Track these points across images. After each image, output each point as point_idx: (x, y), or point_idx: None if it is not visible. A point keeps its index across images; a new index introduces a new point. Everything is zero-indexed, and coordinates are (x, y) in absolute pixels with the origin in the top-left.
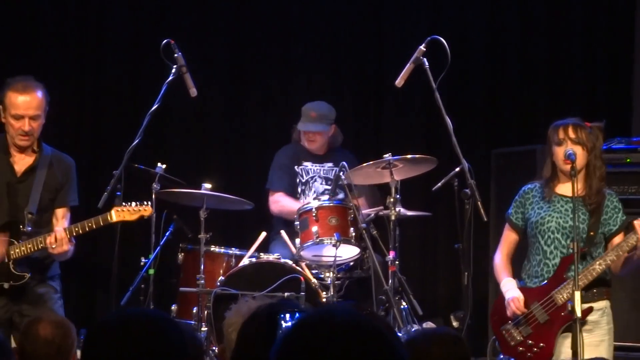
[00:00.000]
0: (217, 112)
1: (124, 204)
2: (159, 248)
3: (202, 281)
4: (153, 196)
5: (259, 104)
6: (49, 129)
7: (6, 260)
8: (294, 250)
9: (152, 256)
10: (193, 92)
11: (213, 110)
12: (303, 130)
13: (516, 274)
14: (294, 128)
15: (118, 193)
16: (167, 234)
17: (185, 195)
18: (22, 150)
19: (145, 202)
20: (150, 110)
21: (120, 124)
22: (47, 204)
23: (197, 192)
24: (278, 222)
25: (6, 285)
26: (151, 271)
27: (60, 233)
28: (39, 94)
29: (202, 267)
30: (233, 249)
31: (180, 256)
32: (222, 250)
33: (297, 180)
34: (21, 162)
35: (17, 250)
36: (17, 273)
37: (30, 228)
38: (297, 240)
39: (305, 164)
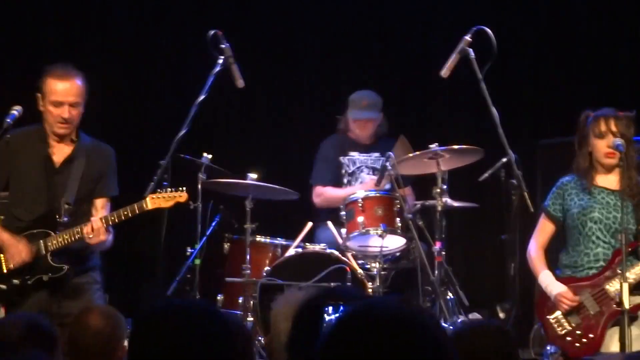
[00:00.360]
0: (263, 102)
1: (159, 190)
2: (205, 238)
3: (248, 271)
4: (199, 186)
5: (305, 94)
6: (95, 120)
7: (43, 252)
8: (340, 240)
9: (198, 246)
10: (240, 83)
11: (259, 100)
12: (355, 118)
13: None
14: (340, 119)
15: (165, 183)
16: (213, 224)
17: (231, 185)
18: (60, 139)
19: (180, 188)
20: (197, 101)
21: (167, 115)
22: (85, 194)
23: (243, 183)
24: (324, 212)
25: (45, 278)
26: (197, 261)
27: (97, 223)
28: (79, 81)
29: (248, 257)
30: (279, 239)
31: (226, 246)
32: (268, 240)
33: (343, 170)
34: (59, 153)
35: (54, 242)
36: (55, 265)
37: (67, 219)
38: (343, 231)
39: (352, 154)
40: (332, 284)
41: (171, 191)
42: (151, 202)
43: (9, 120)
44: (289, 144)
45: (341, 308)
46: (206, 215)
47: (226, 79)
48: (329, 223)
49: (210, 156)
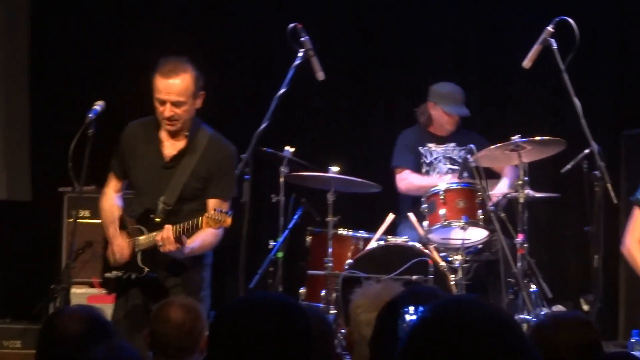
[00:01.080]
0: (343, 95)
1: (215, 210)
2: (287, 231)
3: (330, 264)
4: (281, 179)
5: (385, 86)
6: None
7: (135, 250)
8: (422, 232)
9: (280, 239)
10: (320, 75)
11: (339, 93)
12: (451, 112)
13: None
14: (419, 110)
15: (246, 177)
16: (295, 217)
17: (313, 178)
18: (172, 134)
19: (229, 212)
20: (278, 94)
21: (248, 109)
22: (193, 193)
23: (324, 176)
24: (405, 204)
25: (133, 276)
26: (280, 254)
27: (167, 231)
28: (186, 78)
29: (330, 250)
30: (361, 231)
31: (309, 239)
32: (350, 233)
33: (421, 160)
34: (171, 147)
35: (143, 242)
36: (140, 266)
37: (161, 218)
38: (425, 223)
39: (429, 145)
40: (414, 276)
41: (221, 213)
42: (204, 223)
43: (91, 115)
44: (371, 136)
45: (421, 309)
46: (288, 209)
47: (306, 72)
48: (411, 215)
49: (292, 149)
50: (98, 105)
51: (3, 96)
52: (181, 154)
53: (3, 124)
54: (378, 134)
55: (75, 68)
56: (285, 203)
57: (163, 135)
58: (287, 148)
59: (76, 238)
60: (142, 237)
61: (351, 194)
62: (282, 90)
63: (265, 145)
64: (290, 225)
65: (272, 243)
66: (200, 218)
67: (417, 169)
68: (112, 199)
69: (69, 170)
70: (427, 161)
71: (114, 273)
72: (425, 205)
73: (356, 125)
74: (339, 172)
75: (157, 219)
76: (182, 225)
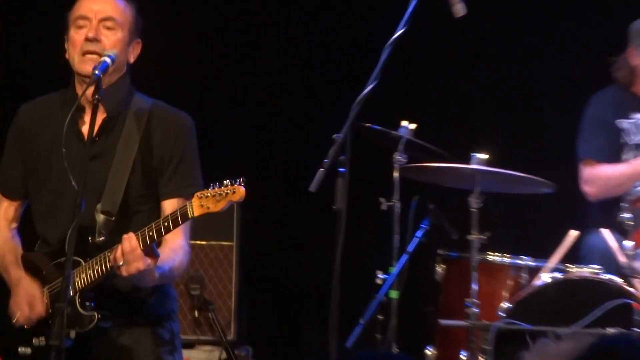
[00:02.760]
0: (490, 47)
1: (212, 186)
2: (405, 257)
3: (475, 309)
4: (395, 174)
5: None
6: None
7: (71, 293)
8: (622, 259)
9: (395, 270)
10: (459, 9)
11: (485, 59)
12: None
13: None
14: (617, 64)
15: (341, 169)
16: (418, 233)
17: (447, 172)
18: (92, 103)
19: (237, 180)
20: (392, 39)
21: (343, 65)
22: (141, 193)
23: (465, 168)
24: (595, 214)
25: (72, 334)
26: (394, 294)
27: (131, 240)
28: (120, 2)
29: (474, 286)
30: (524, 257)
31: (440, 269)
32: (507, 260)
33: (622, 141)
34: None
35: (84, 277)
36: (84, 313)
37: (104, 237)
38: (627, 244)
39: (635, 116)
40: (610, 329)
41: (219, 187)
42: (196, 207)
43: (97, 72)
44: (535, 109)
45: None
46: (407, 220)
47: (435, 5)
48: (605, 232)
49: (413, 126)
50: (108, 56)
51: None
52: (110, 132)
53: None
54: (547, 105)
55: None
56: (401, 211)
57: (81, 106)
58: (404, 124)
59: None
60: (82, 269)
61: (506, 197)
62: (398, 33)
63: (370, 120)
64: (411, 248)
65: (381, 276)
66: (185, 205)
67: (615, 155)
68: (5, 232)
69: None
70: (632, 141)
71: (36, 341)
72: (629, 215)
73: (510, 94)
74: (488, 163)
75: (99, 239)
76: (152, 227)
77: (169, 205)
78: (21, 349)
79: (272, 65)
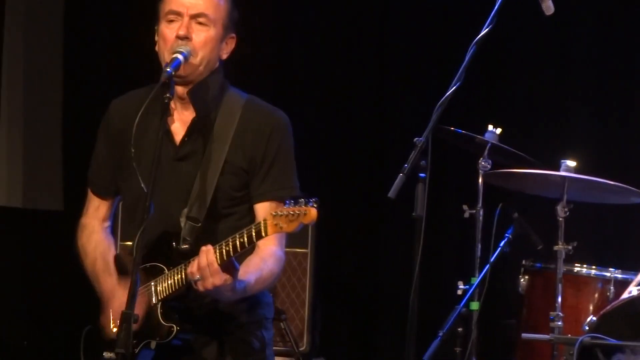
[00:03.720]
0: (582, 61)
1: (287, 203)
2: (487, 267)
3: (560, 323)
4: (480, 180)
5: None
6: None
7: (153, 302)
8: None
9: (476, 280)
10: (548, 6)
11: (576, 60)
12: None
13: None
14: None
15: (422, 175)
16: (501, 243)
17: (534, 179)
18: (183, 102)
19: (308, 200)
20: (479, 37)
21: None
22: (231, 197)
23: (553, 175)
24: None
25: (152, 345)
26: (475, 305)
27: (208, 254)
28: None
29: (559, 299)
30: (612, 270)
31: (523, 281)
32: (593, 271)
33: None
34: (182, 123)
35: (165, 285)
36: (164, 323)
37: (189, 245)
38: None
39: None
40: None
41: (295, 205)
42: (271, 225)
43: (169, 70)
44: (628, 117)
45: None
46: (491, 229)
47: (524, 3)
48: None
49: (498, 130)
50: (180, 53)
51: (34, 99)
52: (200, 132)
53: (20, 126)
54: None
55: (111, 68)
56: (484, 219)
57: (173, 106)
58: (491, 128)
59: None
60: (163, 278)
61: (594, 206)
62: (484, 31)
63: (453, 124)
64: (493, 258)
65: (461, 286)
66: (259, 223)
67: None
68: (97, 233)
69: None
70: None
71: (117, 350)
72: None
73: (601, 98)
74: (577, 170)
75: (184, 247)
76: (229, 242)
77: (262, 209)
78: (106, 354)
79: (350, 66)
